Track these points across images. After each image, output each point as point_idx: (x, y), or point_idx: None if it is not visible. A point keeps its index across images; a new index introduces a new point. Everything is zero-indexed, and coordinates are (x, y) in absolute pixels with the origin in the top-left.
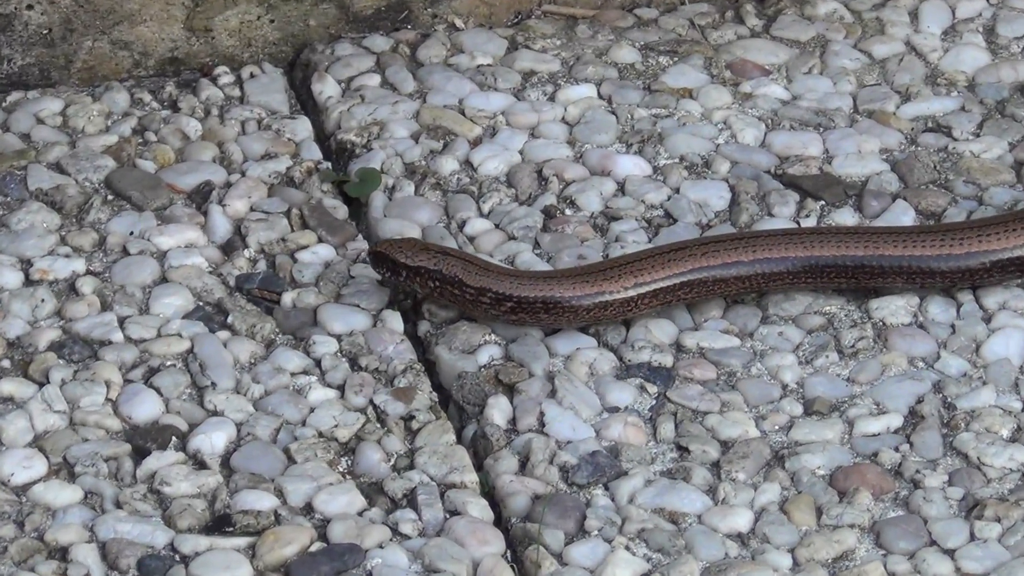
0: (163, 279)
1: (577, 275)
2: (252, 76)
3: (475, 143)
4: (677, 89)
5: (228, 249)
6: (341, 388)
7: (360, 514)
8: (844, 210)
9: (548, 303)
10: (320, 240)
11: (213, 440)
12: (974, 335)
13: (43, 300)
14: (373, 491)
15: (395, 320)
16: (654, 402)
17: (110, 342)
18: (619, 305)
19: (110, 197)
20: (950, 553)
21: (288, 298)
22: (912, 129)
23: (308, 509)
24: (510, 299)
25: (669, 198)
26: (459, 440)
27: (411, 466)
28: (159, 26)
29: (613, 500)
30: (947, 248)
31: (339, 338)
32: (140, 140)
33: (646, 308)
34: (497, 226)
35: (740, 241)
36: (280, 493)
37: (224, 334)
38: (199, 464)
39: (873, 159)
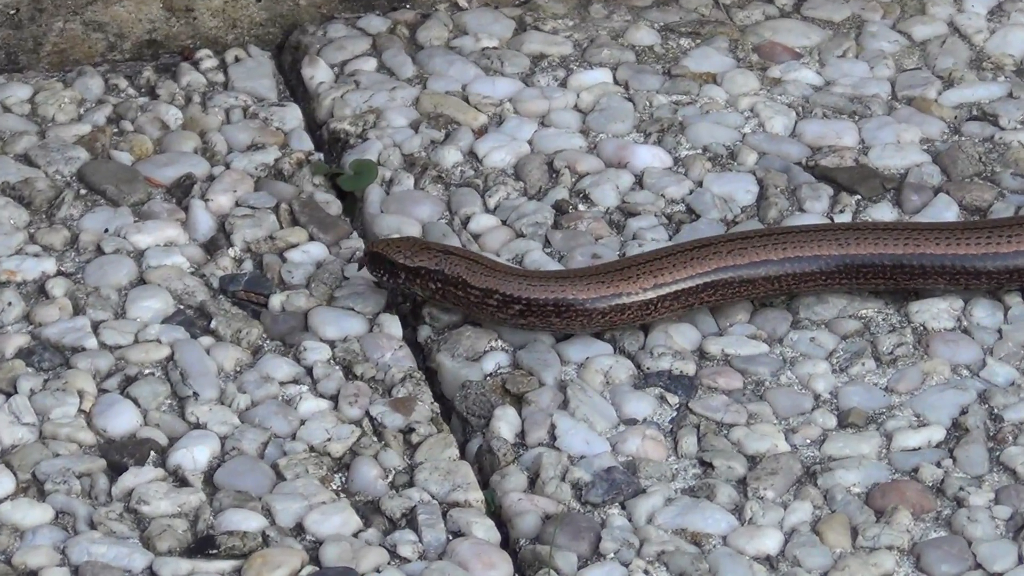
0: (140, 280)
1: (591, 276)
2: (237, 60)
3: (480, 133)
4: (700, 74)
5: (211, 248)
6: (334, 399)
7: (355, 535)
8: (882, 205)
9: (560, 306)
10: (311, 238)
11: (195, 455)
12: (1023, 341)
13: (10, 303)
14: (369, 510)
15: (393, 325)
16: (675, 414)
17: (83, 349)
18: (637, 308)
19: (83, 191)
20: None
21: (277, 301)
22: (955, 117)
23: (299, 530)
24: (518, 301)
25: (691, 192)
26: (463, 455)
27: (411, 483)
28: (136, 6)
29: (630, 520)
30: (994, 246)
31: (332, 344)
32: (115, 129)
33: (666, 311)
34: (504, 222)
35: (768, 239)
36: (268, 512)
37: (207, 340)
38: (180, 481)
39: (913, 150)
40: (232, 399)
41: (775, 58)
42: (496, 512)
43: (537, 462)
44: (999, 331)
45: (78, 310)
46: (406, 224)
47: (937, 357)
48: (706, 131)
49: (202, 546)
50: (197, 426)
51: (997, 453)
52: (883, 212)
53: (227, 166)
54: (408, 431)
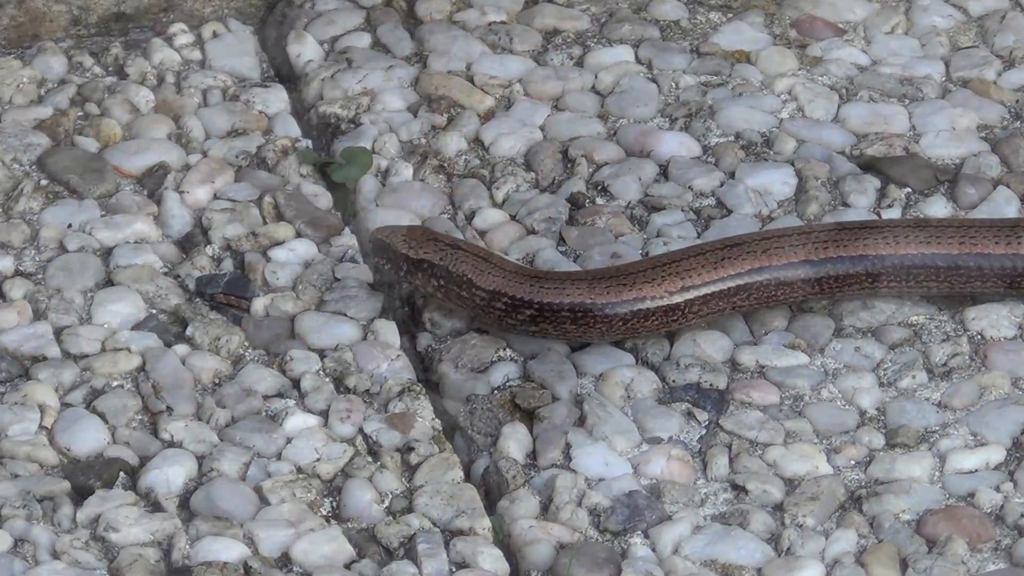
0: (108, 282)
1: (611, 277)
2: (215, 35)
3: (486, 117)
4: (732, 52)
5: (187, 245)
6: (324, 414)
7: (348, 567)
8: (934, 199)
9: (576, 311)
10: (298, 235)
11: (169, 476)
12: None
13: None
14: (363, 539)
15: (390, 332)
16: (704, 432)
17: (44, 358)
18: (662, 314)
19: (44, 182)
20: None
21: (260, 305)
22: (1016, 101)
23: (285, 560)
24: (529, 306)
25: (722, 184)
26: (467, 477)
27: (409, 508)
28: None
29: (654, 550)
30: None
31: (322, 353)
32: (80, 113)
33: (694, 317)
34: (513, 217)
35: (808, 236)
36: (251, 541)
37: (182, 348)
38: (152, 505)
39: (969, 138)
40: (210, 414)
41: (815, 34)
42: (504, 541)
43: (550, 485)
44: None
45: (39, 315)
46: (404, 219)
47: (996, 369)
48: (739, 116)
49: None
50: (171, 444)
51: None
52: (936, 207)
53: (204, 154)
54: (407, 450)
